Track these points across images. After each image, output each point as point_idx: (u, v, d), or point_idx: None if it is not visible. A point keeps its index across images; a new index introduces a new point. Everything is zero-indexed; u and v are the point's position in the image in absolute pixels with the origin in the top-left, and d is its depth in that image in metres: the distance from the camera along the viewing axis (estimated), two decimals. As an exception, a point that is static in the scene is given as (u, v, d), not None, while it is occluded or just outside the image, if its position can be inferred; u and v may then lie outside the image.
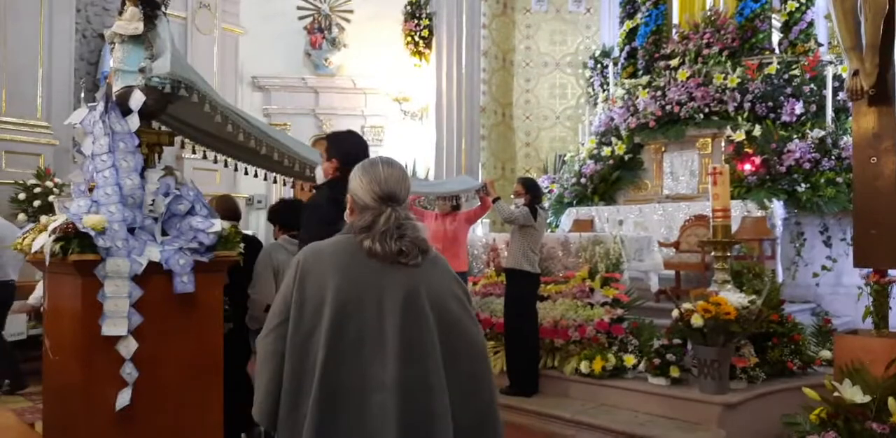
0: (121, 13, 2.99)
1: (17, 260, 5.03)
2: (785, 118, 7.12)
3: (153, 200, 2.72)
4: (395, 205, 1.54)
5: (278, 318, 1.50)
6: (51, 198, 6.49)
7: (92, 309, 2.50)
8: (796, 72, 7.31)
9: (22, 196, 6.68)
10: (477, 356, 1.55)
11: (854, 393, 2.78)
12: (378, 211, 1.53)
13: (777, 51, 7.82)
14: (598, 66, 10.31)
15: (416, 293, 1.49)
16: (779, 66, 7.34)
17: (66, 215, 2.59)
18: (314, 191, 2.94)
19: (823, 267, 6.41)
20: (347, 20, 10.16)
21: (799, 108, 7.09)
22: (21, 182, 6.78)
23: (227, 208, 3.63)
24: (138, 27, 2.87)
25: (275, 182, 3.91)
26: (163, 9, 3.04)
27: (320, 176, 2.80)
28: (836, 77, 7.11)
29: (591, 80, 10.43)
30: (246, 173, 3.78)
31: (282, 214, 3.70)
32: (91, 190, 2.69)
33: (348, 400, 1.42)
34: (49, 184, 6.79)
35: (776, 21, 7.96)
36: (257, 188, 9.06)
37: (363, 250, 1.49)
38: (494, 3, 10.70)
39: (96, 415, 2.50)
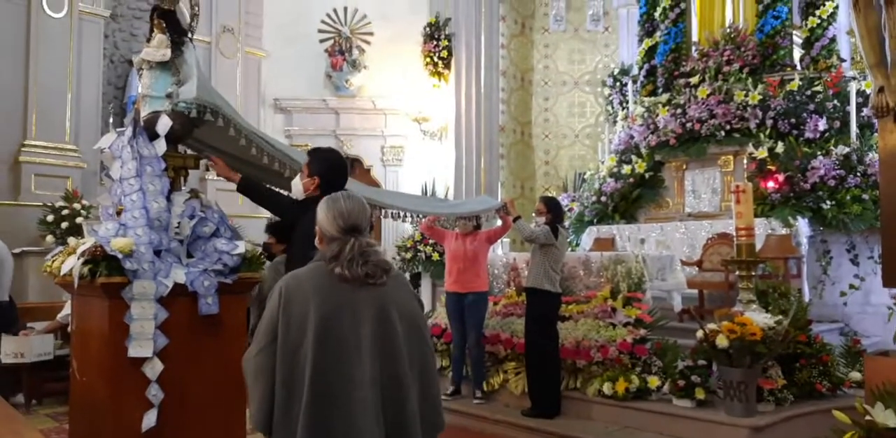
0: (148, 40, 3.08)
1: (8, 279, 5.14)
2: (808, 134, 7.05)
3: (179, 223, 2.77)
4: (357, 235, 1.83)
5: (267, 337, 1.74)
6: (78, 219, 6.63)
7: (119, 330, 2.54)
8: (819, 88, 7.26)
9: (50, 218, 6.84)
10: (430, 355, 1.89)
11: (887, 417, 2.70)
12: (343, 241, 1.81)
13: (799, 67, 7.77)
14: (617, 84, 10.33)
15: (386, 306, 1.79)
16: (801, 83, 7.29)
17: (94, 238, 2.64)
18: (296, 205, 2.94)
19: (851, 286, 6.28)
20: (368, 42, 10.31)
21: (822, 125, 7.03)
22: (49, 204, 6.93)
23: None
24: (166, 54, 2.95)
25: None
26: (189, 35, 3.12)
27: (298, 190, 2.90)
28: (860, 93, 7.05)
29: (610, 99, 10.44)
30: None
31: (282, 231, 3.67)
32: (119, 213, 2.75)
33: (336, 399, 1.68)
34: (77, 206, 6.94)
35: (797, 37, 7.93)
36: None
37: (335, 275, 1.76)
38: (513, 24, 10.81)
39: (122, 436, 2.52)
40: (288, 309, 1.72)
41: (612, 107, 10.30)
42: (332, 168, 2.87)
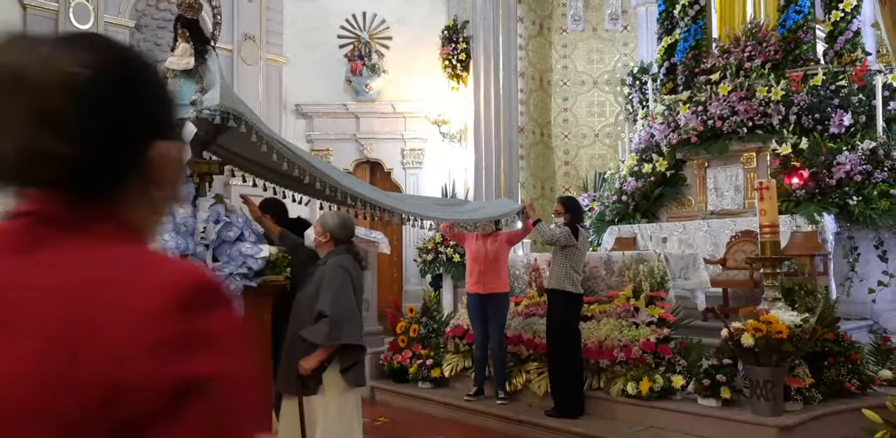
0: (172, 49, 3.15)
1: None
2: (833, 130, 6.94)
3: (204, 228, 2.83)
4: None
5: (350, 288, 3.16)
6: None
7: (148, 333, 2.60)
8: (843, 82, 7.14)
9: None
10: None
11: (918, 415, 2.67)
12: (351, 243, 3.26)
13: (822, 61, 7.66)
14: (637, 82, 10.27)
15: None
16: (825, 77, 7.18)
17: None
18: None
19: (880, 283, 6.17)
20: (386, 47, 10.39)
21: (847, 119, 6.91)
22: (79, 211, 7.09)
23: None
24: (190, 62, 3.03)
25: (321, 208, 4.01)
26: (212, 44, 3.19)
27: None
28: (886, 86, 6.92)
29: (630, 97, 10.37)
30: (294, 200, 3.90)
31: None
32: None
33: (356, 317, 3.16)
34: (105, 212, 7.09)
35: (820, 31, 7.81)
36: (302, 212, 9.25)
37: (358, 262, 3.24)
38: (531, 25, 10.81)
39: None
40: (352, 277, 3.12)
41: (632, 106, 10.24)
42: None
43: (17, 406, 0.54)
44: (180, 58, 3.06)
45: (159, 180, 0.68)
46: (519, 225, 5.88)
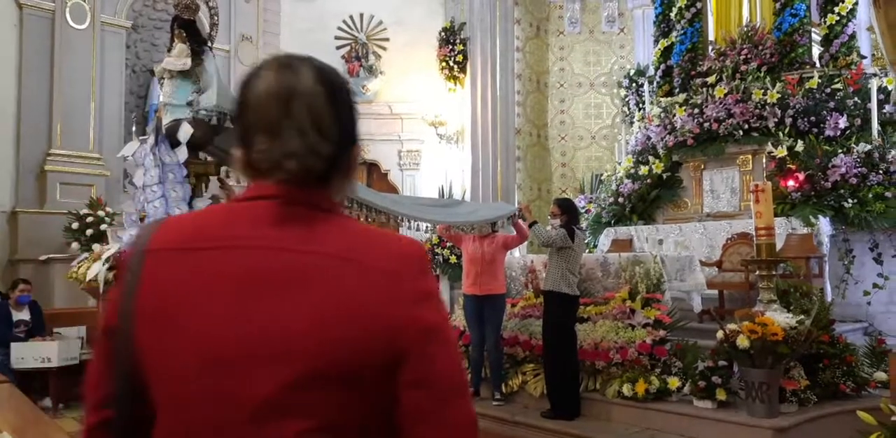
0: (169, 50, 3.15)
1: None
2: (828, 132, 6.96)
3: (200, 228, 2.83)
4: None
5: None
6: (102, 227, 6.76)
7: (143, 334, 2.60)
8: (839, 85, 7.17)
9: (75, 225, 6.97)
10: None
11: (912, 417, 2.68)
12: None
13: (818, 64, 7.69)
14: (634, 85, 10.29)
15: None
16: (820, 80, 7.21)
17: (119, 244, 2.71)
18: None
19: (875, 285, 6.19)
20: (384, 48, 10.40)
21: (843, 122, 6.94)
22: (74, 212, 7.07)
23: None
24: (186, 63, 3.02)
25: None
26: (209, 45, 3.19)
27: None
28: (881, 89, 6.95)
29: (627, 100, 10.40)
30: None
31: None
32: (142, 219, 2.81)
33: None
34: (101, 213, 7.07)
35: (816, 34, 7.85)
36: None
37: None
38: (528, 27, 10.83)
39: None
40: None
41: (629, 108, 10.26)
42: None
43: (347, 345, 0.75)
44: (177, 58, 3.06)
45: (351, 172, 0.87)
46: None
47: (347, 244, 0.80)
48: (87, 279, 2.77)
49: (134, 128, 8.26)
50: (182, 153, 2.84)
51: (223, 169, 3.44)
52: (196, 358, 0.76)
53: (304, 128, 0.80)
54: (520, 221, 5.25)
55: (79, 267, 2.98)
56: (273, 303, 0.76)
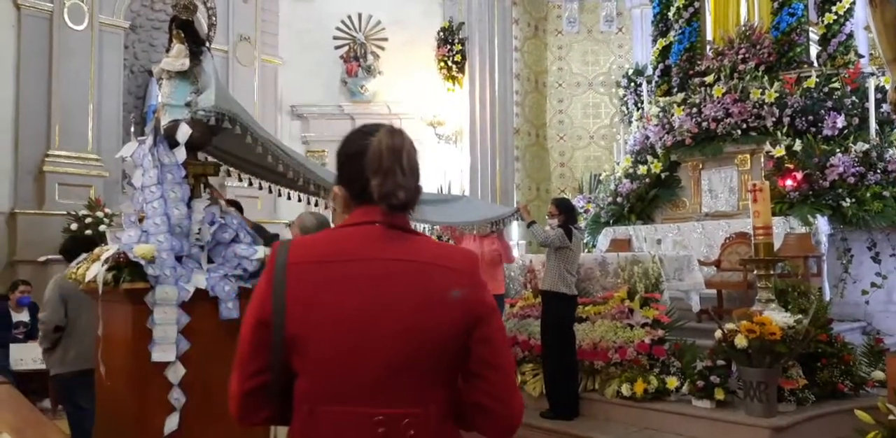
0: (167, 50, 3.15)
1: None
2: (826, 132, 6.97)
3: (199, 229, 2.82)
4: None
5: None
6: (101, 227, 6.76)
7: (142, 335, 2.60)
8: (836, 84, 7.18)
9: (74, 226, 6.97)
10: None
11: (910, 416, 2.69)
12: None
13: (816, 64, 7.70)
14: (632, 84, 10.30)
15: None
16: (818, 80, 7.22)
17: (117, 245, 2.71)
18: None
19: (873, 285, 6.20)
20: (382, 48, 10.40)
21: (841, 122, 6.95)
22: (73, 212, 7.07)
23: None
24: (185, 63, 3.02)
25: (315, 205, 4.00)
26: (207, 45, 3.19)
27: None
28: (879, 88, 6.96)
29: (625, 99, 10.41)
30: (289, 198, 3.89)
31: (71, 252, 3.91)
32: (141, 220, 2.81)
33: None
34: (99, 214, 7.07)
35: (814, 34, 7.85)
36: (296, 214, 9.23)
37: None
38: (526, 27, 10.83)
39: (147, 439, 2.57)
40: None
41: (627, 108, 10.27)
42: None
43: (444, 326, 1.14)
44: (175, 59, 3.05)
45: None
46: (514, 226, 5.87)
47: (433, 254, 1.19)
48: (87, 280, 2.77)
49: (132, 129, 8.25)
50: (181, 154, 2.84)
51: (222, 169, 3.44)
52: (338, 335, 1.11)
53: (406, 171, 1.16)
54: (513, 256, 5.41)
55: (78, 268, 2.98)
56: (390, 295, 1.13)
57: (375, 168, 1.15)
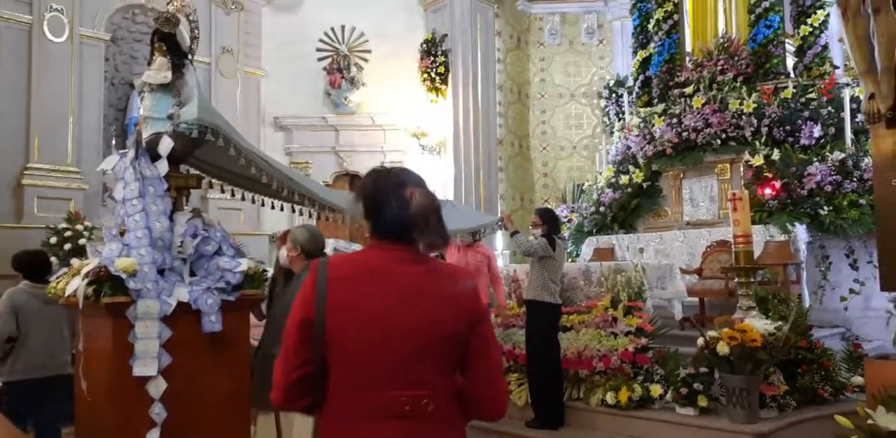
0: (149, 63, 3.14)
1: None
2: (804, 141, 7.10)
3: (182, 242, 2.81)
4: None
5: None
6: (81, 241, 6.67)
7: (123, 350, 2.57)
8: (813, 95, 7.32)
9: (53, 240, 6.87)
10: None
11: (889, 420, 2.72)
12: (321, 255, 3.04)
13: (792, 75, 7.85)
14: (613, 95, 10.42)
15: None
16: (795, 90, 7.36)
17: (98, 259, 2.69)
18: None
19: (851, 291, 6.29)
20: (365, 60, 10.43)
21: (817, 131, 7.08)
22: (52, 226, 6.98)
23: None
24: (167, 76, 3.02)
25: (300, 215, 3.99)
26: (190, 57, 3.19)
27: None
28: (854, 99, 7.11)
29: (607, 110, 10.53)
30: (273, 208, 3.88)
31: (25, 265, 4.16)
32: (122, 233, 2.79)
33: None
34: (79, 227, 6.98)
35: (790, 46, 8.02)
36: (280, 226, 9.19)
37: None
38: (508, 39, 10.94)
39: (128, 455, 2.54)
40: None
41: (609, 119, 10.38)
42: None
43: (451, 324, 1.45)
44: (157, 71, 3.05)
45: None
46: (498, 236, 5.88)
47: (448, 272, 1.55)
48: (67, 294, 2.74)
49: (113, 142, 8.21)
50: (163, 167, 2.83)
51: (204, 182, 3.43)
52: (367, 332, 1.41)
53: (440, 225, 1.52)
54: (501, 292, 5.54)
55: (57, 283, 2.95)
56: (409, 302, 1.43)
57: (420, 225, 1.48)
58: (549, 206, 8.13)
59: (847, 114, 7.01)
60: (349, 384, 1.41)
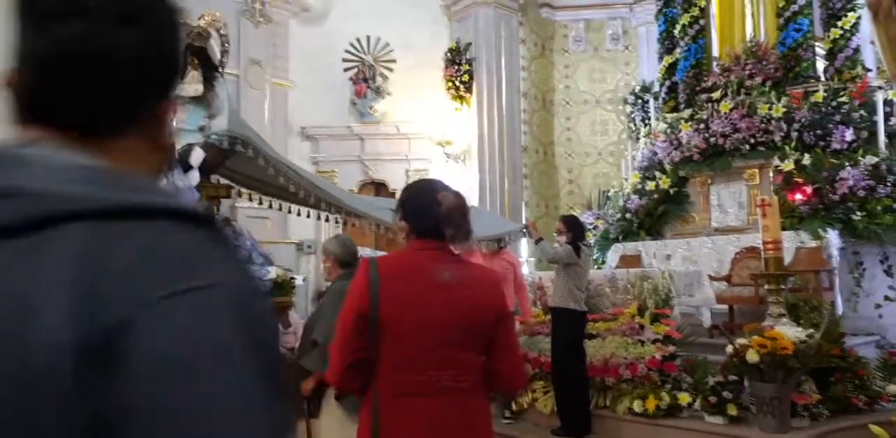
0: (182, 77, 3.24)
1: None
2: (835, 145, 6.98)
3: (212, 250, 2.88)
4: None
5: None
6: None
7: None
8: (844, 98, 7.20)
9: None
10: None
11: (923, 430, 2.67)
12: (355, 264, 2.96)
13: (823, 78, 7.74)
14: (639, 101, 10.37)
15: None
16: (825, 94, 7.24)
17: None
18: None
19: (886, 298, 6.16)
20: (390, 69, 10.54)
21: (849, 135, 6.96)
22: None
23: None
24: (198, 89, 3.12)
25: (326, 221, 4.07)
26: (220, 70, 3.29)
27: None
28: (887, 102, 6.98)
29: (632, 116, 10.47)
30: (298, 215, 3.96)
31: None
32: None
33: None
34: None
35: (820, 49, 7.91)
36: (307, 233, 9.32)
37: None
38: (533, 46, 10.96)
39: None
40: None
41: (635, 125, 10.32)
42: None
43: (480, 318, 1.73)
44: (189, 85, 3.15)
45: None
46: (523, 242, 5.87)
47: (479, 270, 1.85)
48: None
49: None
50: (194, 177, 2.91)
51: (233, 191, 3.52)
52: (418, 322, 1.64)
53: (467, 222, 1.73)
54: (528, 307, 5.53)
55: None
56: (455, 297, 1.67)
57: (448, 220, 1.69)
58: (575, 213, 8.10)
59: (880, 118, 6.88)
60: (397, 366, 1.64)
